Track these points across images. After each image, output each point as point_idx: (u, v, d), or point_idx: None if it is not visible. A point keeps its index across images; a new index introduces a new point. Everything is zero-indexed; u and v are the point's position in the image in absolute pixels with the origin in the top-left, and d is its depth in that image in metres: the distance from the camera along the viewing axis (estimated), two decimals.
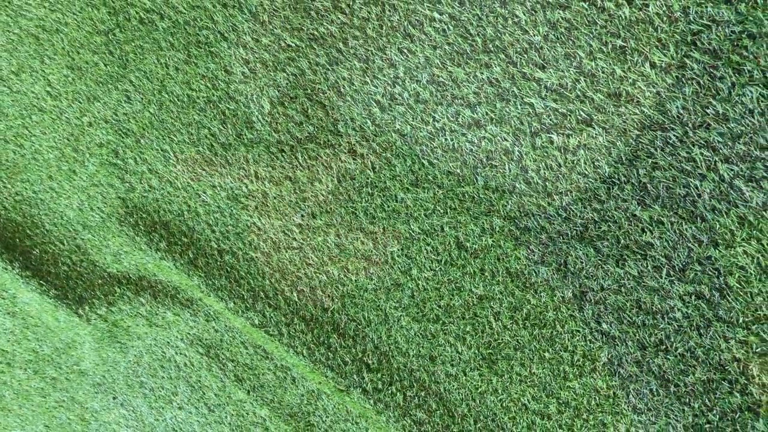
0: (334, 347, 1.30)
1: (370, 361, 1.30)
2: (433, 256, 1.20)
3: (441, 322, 1.28)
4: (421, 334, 1.30)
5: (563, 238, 1.06)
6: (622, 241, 0.80)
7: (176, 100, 1.47)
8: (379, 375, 1.29)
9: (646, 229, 0.77)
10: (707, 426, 0.77)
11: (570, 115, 0.75)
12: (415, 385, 1.30)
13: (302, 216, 1.07)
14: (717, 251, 0.76)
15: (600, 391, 1.17)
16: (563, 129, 0.76)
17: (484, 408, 1.27)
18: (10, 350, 1.86)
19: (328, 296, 1.31)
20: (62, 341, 1.78)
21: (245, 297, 1.37)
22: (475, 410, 1.27)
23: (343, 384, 1.28)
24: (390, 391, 1.29)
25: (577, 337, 1.16)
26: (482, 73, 0.73)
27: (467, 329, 1.27)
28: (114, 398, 1.76)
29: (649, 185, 0.74)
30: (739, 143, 0.69)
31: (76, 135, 1.69)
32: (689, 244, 0.76)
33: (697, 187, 0.73)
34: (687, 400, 0.80)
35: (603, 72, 0.70)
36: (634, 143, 0.71)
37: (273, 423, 1.48)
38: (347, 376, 1.28)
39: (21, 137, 1.79)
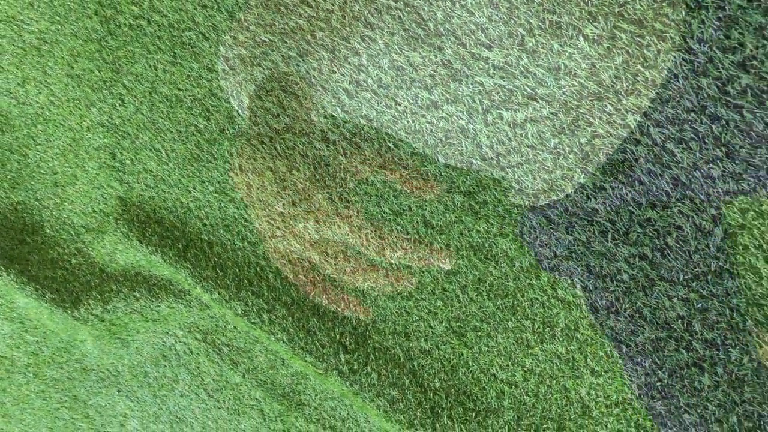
0: (314, 331, 1.35)
1: (347, 342, 1.34)
2: (402, 235, 1.25)
3: (414, 298, 1.32)
4: (396, 311, 1.34)
5: (517, 209, 1.10)
6: (570, 208, 0.84)
7: (165, 100, 1.54)
8: (355, 356, 1.33)
9: (590, 196, 0.81)
10: (658, 384, 0.80)
11: (516, 91, 0.79)
12: (390, 363, 1.33)
13: (283, 205, 1.12)
14: (655, 212, 0.79)
15: (560, 357, 1.21)
16: (511, 104, 0.80)
17: (456, 381, 1.30)
18: (9, 355, 1.89)
19: (310, 281, 1.34)
20: (63, 341, 1.82)
21: (230, 286, 1.42)
22: (447, 384, 1.31)
23: (321, 367, 1.32)
24: (365, 371, 1.32)
25: (536, 305, 1.20)
26: (436, 56, 0.77)
27: (438, 304, 1.31)
28: (119, 391, 1.80)
29: (590, 153, 0.78)
30: (667, 107, 0.73)
31: (77, 140, 1.75)
32: (630, 208, 0.80)
33: (633, 152, 0.76)
34: (638, 359, 0.83)
35: (542, 47, 0.74)
36: (574, 113, 0.75)
37: (267, 404, 1.52)
38: (325, 359, 1.32)
39: (26, 147, 1.85)
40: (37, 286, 1.71)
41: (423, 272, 1.30)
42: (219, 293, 1.43)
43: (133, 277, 1.65)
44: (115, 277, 1.68)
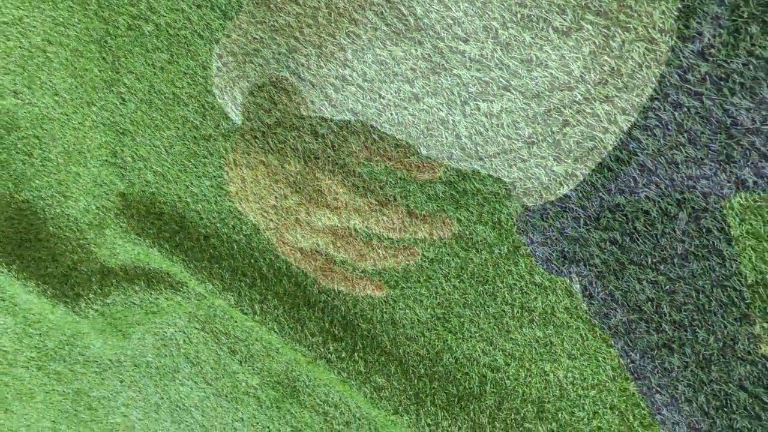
0: (303, 320, 1.38)
1: (336, 331, 1.37)
2: (389, 225, 1.28)
3: (400, 287, 1.35)
4: (383, 300, 1.37)
5: (495, 197, 1.13)
6: (544, 195, 0.86)
7: (163, 97, 1.58)
8: (343, 344, 1.36)
9: (562, 183, 0.84)
10: (631, 365, 0.83)
11: (492, 83, 0.82)
12: (376, 350, 1.36)
13: (275, 198, 1.16)
14: (623, 198, 0.82)
15: (539, 341, 1.24)
16: (487, 96, 0.83)
17: (440, 367, 1.33)
18: (12, 350, 1.91)
19: (302, 271, 1.38)
20: (65, 334, 1.85)
21: (224, 277, 1.45)
22: (431, 370, 1.34)
23: (310, 356, 1.35)
24: (353, 359, 1.35)
25: (515, 290, 1.23)
26: (416, 50, 0.80)
27: (423, 291, 1.34)
28: (121, 381, 1.83)
29: (562, 141, 0.81)
30: (632, 95, 0.76)
31: (80, 139, 1.79)
32: (600, 194, 0.83)
33: (602, 140, 0.79)
34: (612, 342, 0.85)
35: (515, 40, 0.77)
36: (546, 103, 0.78)
37: (263, 391, 1.56)
38: (314, 348, 1.35)
39: (31, 146, 1.89)
40: (39, 282, 1.73)
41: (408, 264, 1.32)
42: (213, 284, 1.47)
43: (133, 271, 1.69)
44: (115, 272, 1.72)
